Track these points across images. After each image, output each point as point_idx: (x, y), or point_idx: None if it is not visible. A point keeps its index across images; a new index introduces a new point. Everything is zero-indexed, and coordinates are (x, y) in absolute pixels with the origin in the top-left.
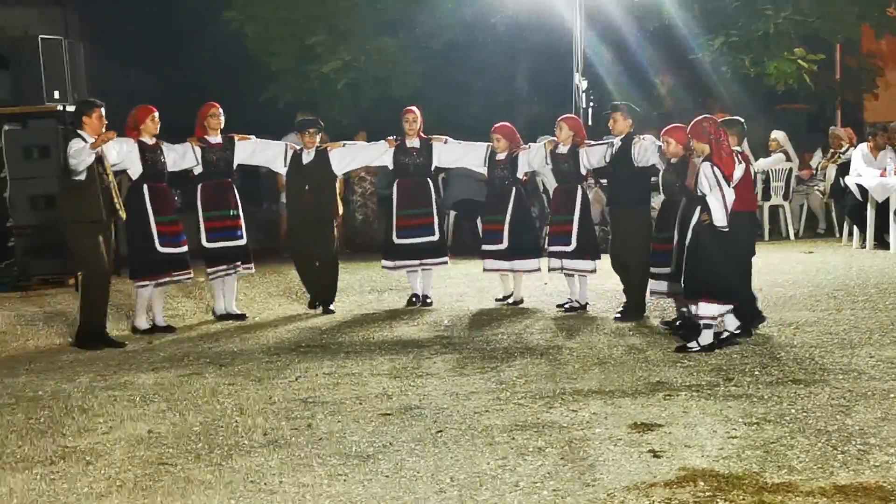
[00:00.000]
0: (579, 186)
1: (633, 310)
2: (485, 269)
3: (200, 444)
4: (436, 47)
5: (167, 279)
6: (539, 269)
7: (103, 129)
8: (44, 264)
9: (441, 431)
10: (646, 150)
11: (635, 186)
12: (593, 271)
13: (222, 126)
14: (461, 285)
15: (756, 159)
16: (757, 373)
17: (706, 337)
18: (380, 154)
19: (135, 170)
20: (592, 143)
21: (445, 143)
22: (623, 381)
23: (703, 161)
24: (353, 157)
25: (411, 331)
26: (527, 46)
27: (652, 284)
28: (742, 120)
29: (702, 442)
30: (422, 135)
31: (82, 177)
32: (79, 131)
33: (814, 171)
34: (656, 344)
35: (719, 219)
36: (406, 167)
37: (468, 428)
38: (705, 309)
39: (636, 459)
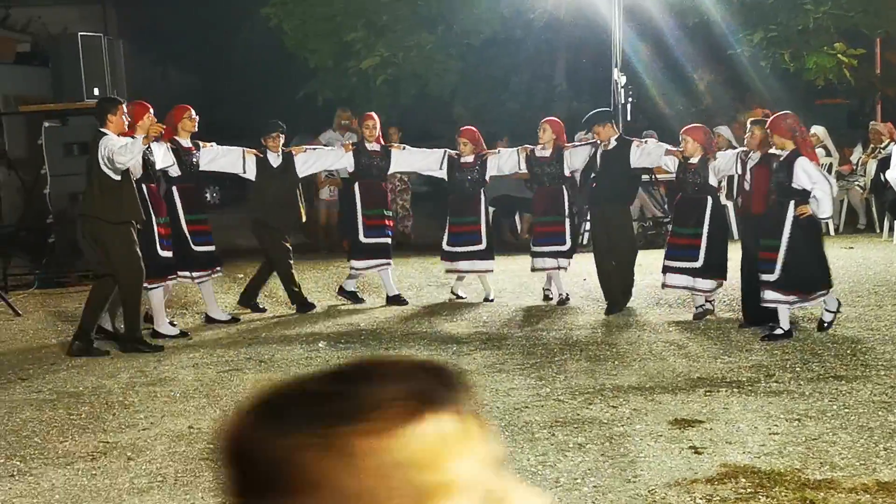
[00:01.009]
0: (564, 187)
1: (622, 301)
2: (447, 271)
3: None
4: (474, 43)
5: (163, 283)
6: (492, 270)
7: (126, 126)
8: (83, 260)
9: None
10: (650, 154)
11: (630, 186)
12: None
13: (195, 130)
14: (500, 281)
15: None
16: (798, 369)
17: (786, 321)
18: (338, 158)
19: (137, 170)
20: (577, 143)
21: (403, 149)
22: (663, 377)
23: (794, 157)
24: (314, 161)
25: (450, 327)
26: (565, 42)
27: (672, 279)
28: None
29: (743, 438)
30: (381, 140)
31: (119, 176)
32: (104, 130)
33: (854, 167)
34: (696, 340)
35: (827, 209)
36: (369, 169)
37: (508, 424)
38: (812, 300)
39: (677, 456)
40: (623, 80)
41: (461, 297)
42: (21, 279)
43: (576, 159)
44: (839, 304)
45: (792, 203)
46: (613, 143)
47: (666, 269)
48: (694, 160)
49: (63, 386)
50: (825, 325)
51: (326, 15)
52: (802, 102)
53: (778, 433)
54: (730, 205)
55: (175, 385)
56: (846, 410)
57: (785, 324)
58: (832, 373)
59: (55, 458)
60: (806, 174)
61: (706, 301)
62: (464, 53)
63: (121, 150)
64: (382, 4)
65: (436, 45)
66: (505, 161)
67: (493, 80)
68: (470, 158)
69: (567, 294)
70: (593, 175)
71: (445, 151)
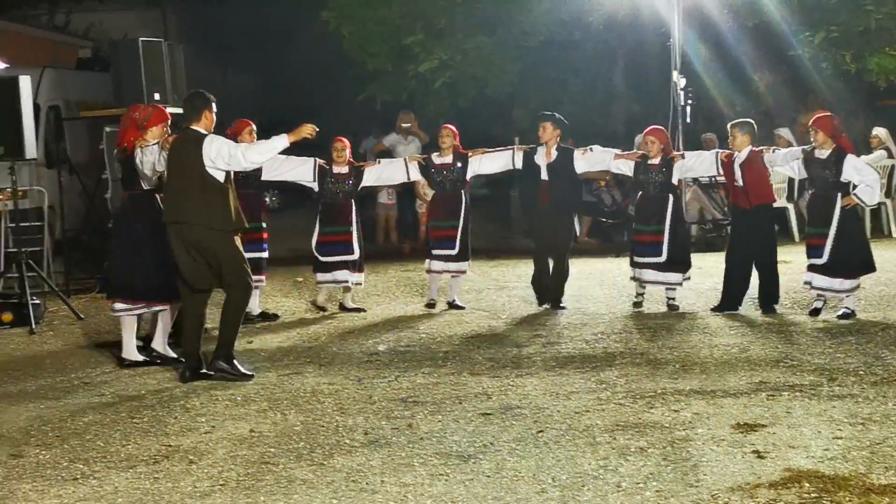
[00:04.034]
0: (462, 192)
1: (559, 297)
2: (318, 282)
3: (302, 443)
4: (532, 46)
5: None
6: (360, 283)
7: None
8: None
9: (542, 431)
10: (598, 162)
11: (575, 193)
12: (466, 272)
13: None
14: None
15: (858, 156)
16: (861, 372)
17: (852, 302)
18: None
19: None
20: (490, 150)
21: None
22: (725, 380)
23: (843, 155)
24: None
25: (510, 330)
26: (623, 44)
27: (640, 273)
28: (752, 122)
29: (806, 442)
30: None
31: (223, 178)
32: (198, 128)
33: None
34: (758, 343)
35: (876, 199)
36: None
37: (569, 428)
38: (852, 283)
39: (740, 460)
40: (682, 82)
41: (324, 310)
42: (83, 283)
43: (488, 165)
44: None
45: (839, 195)
46: (555, 152)
47: (634, 265)
48: (655, 161)
49: (125, 389)
50: (841, 315)
51: (384, 18)
52: (864, 103)
53: (842, 437)
54: (791, 207)
55: (236, 389)
56: None
57: (853, 304)
58: None
59: (118, 462)
60: (855, 170)
61: (669, 298)
62: (522, 56)
63: (257, 149)
64: (440, 8)
65: (494, 48)
66: (391, 173)
67: (551, 82)
68: (344, 169)
69: (454, 301)
70: (540, 183)
71: (315, 161)
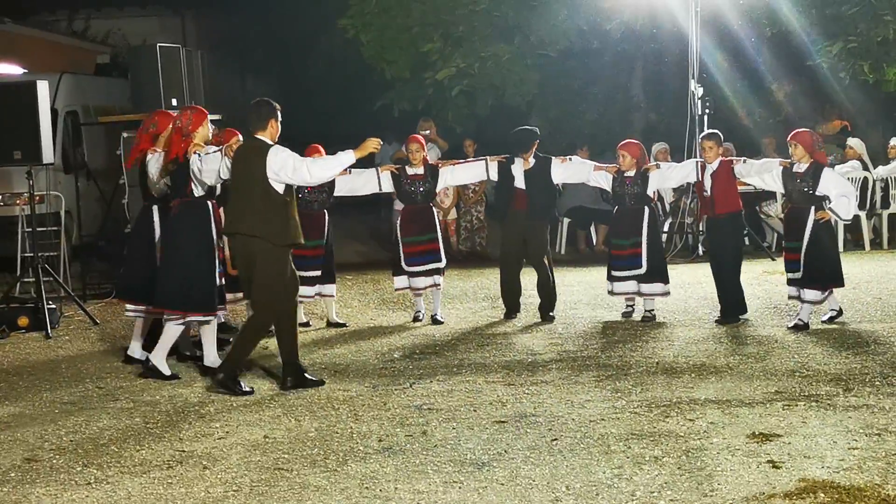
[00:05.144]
0: (431, 205)
1: (551, 308)
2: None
3: (316, 449)
4: (551, 54)
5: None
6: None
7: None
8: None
9: (556, 439)
10: (577, 172)
11: (551, 201)
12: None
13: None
14: (576, 293)
15: (875, 166)
16: (878, 383)
17: (834, 303)
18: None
19: (207, 184)
20: (461, 161)
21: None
22: (740, 390)
23: (820, 169)
24: None
25: (525, 338)
26: (642, 53)
27: (619, 286)
28: (719, 133)
29: (822, 453)
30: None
31: (284, 191)
32: (264, 138)
33: None
34: (774, 353)
35: (852, 212)
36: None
37: (583, 436)
38: (825, 295)
39: (755, 470)
40: (700, 91)
41: (307, 325)
42: (99, 288)
43: (459, 176)
44: (841, 310)
45: (812, 208)
46: (533, 160)
47: (612, 279)
48: (630, 173)
49: (140, 395)
50: (823, 319)
51: (403, 26)
52: (883, 113)
53: (857, 448)
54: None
55: (250, 395)
56: None
57: (805, 317)
58: None
59: (131, 467)
60: (834, 183)
61: (647, 309)
62: (541, 64)
63: (322, 164)
64: (459, 16)
65: (512, 56)
66: (363, 183)
67: (570, 91)
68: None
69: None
70: (515, 191)
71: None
